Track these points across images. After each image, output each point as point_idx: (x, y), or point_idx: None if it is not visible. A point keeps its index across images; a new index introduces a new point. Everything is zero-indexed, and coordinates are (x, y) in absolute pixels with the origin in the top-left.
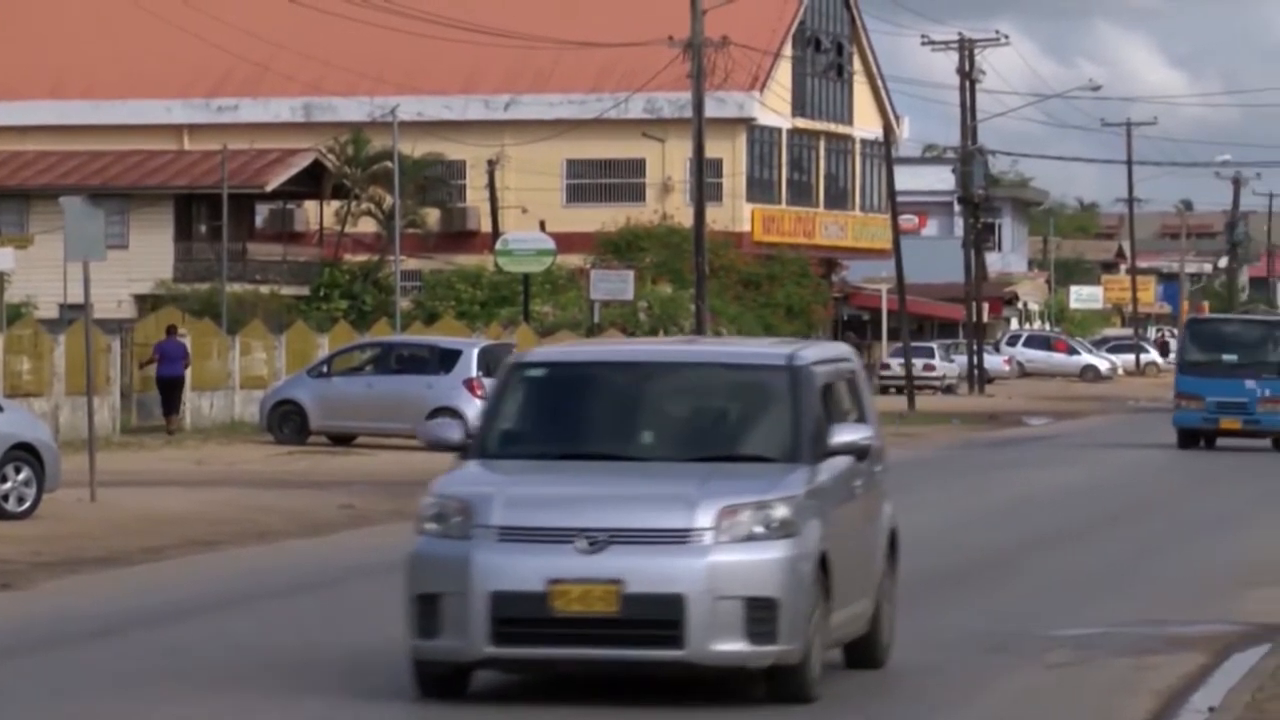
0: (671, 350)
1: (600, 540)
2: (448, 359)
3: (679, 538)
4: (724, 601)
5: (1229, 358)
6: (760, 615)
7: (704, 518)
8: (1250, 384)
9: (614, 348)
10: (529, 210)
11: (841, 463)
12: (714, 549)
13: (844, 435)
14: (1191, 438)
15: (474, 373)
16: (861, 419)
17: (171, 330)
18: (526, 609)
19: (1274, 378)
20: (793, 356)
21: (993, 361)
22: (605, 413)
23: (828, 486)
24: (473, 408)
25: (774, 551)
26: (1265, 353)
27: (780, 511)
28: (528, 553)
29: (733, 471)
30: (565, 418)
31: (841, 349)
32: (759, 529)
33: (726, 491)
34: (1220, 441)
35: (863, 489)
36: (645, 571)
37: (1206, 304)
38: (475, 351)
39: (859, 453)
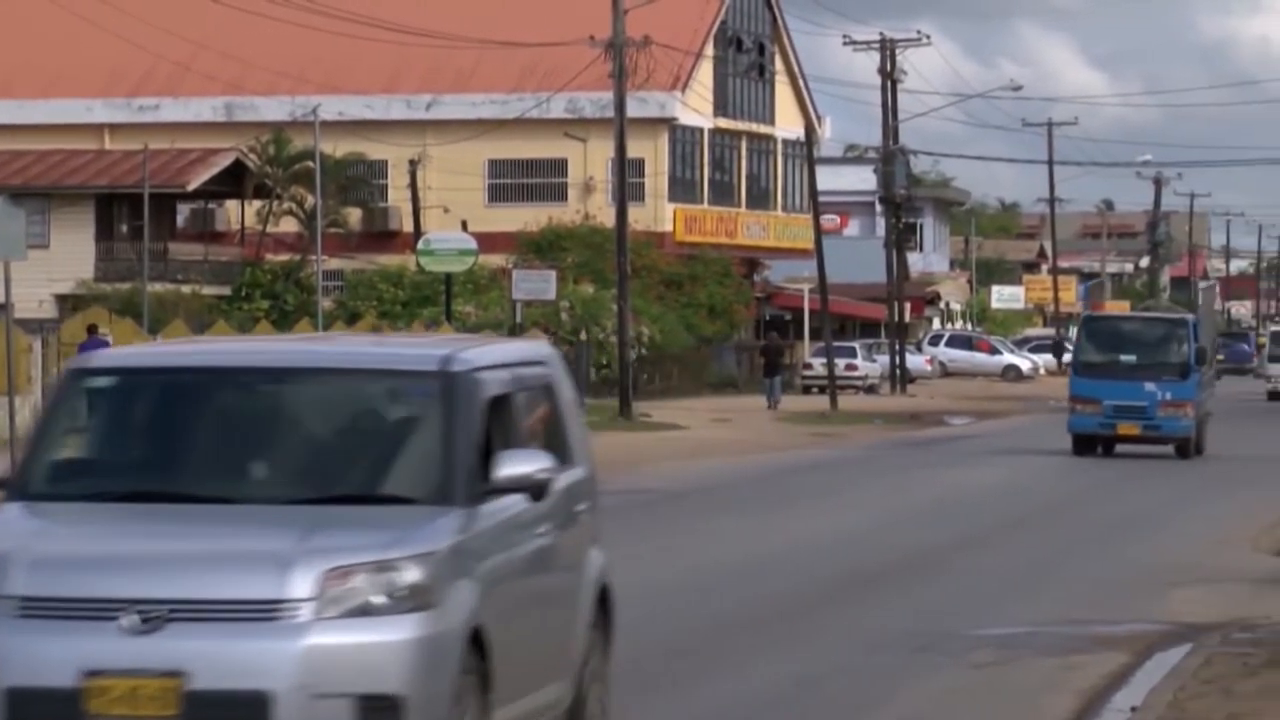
0: (286, 351)
1: (156, 616)
2: None
3: (265, 612)
4: (326, 701)
5: (1127, 358)
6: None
7: (301, 584)
8: (1150, 386)
9: (208, 348)
10: (451, 210)
11: (515, 504)
12: (314, 627)
13: (514, 467)
14: (1088, 444)
15: None
16: (557, 444)
17: (93, 330)
18: (53, 712)
19: (1176, 380)
20: (449, 359)
21: (915, 361)
22: (190, 437)
23: (490, 538)
24: None
25: (399, 630)
26: (1167, 353)
27: (410, 575)
28: (57, 633)
29: (350, 519)
30: (135, 444)
31: (533, 349)
32: (379, 599)
33: (335, 547)
34: (1119, 448)
35: (551, 538)
36: (217, 660)
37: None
38: None
39: (535, 489)
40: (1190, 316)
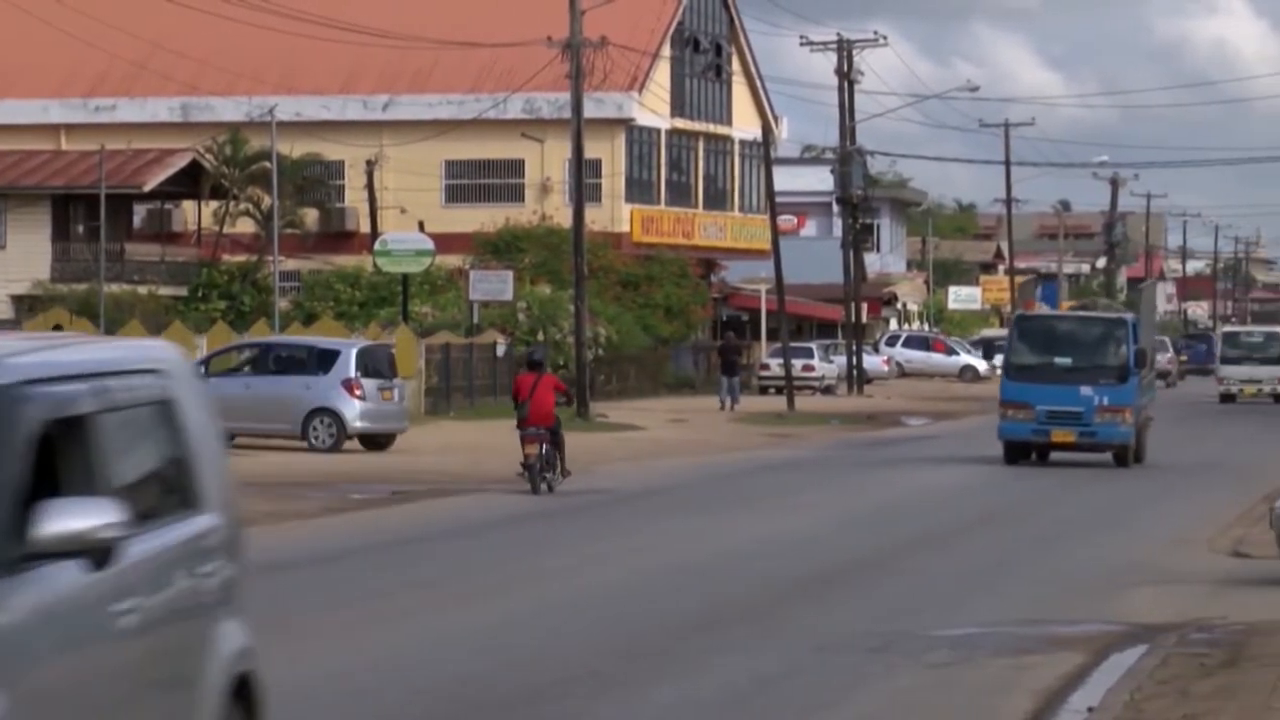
0: None
1: None
2: (326, 360)
3: None
4: None
5: (1062, 360)
6: None
7: None
8: (1086, 391)
9: None
10: (408, 211)
11: (70, 573)
12: None
13: (61, 522)
14: (1020, 451)
15: (352, 373)
16: (180, 483)
17: (57, 329)
18: None
19: (1114, 383)
20: None
21: (871, 362)
22: None
23: (28, 625)
24: (351, 409)
25: None
26: (1104, 354)
27: None
28: None
29: None
30: None
31: (140, 352)
32: None
33: None
34: (1054, 456)
35: (138, 618)
36: None
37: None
38: (353, 352)
39: (94, 552)
40: (1129, 316)
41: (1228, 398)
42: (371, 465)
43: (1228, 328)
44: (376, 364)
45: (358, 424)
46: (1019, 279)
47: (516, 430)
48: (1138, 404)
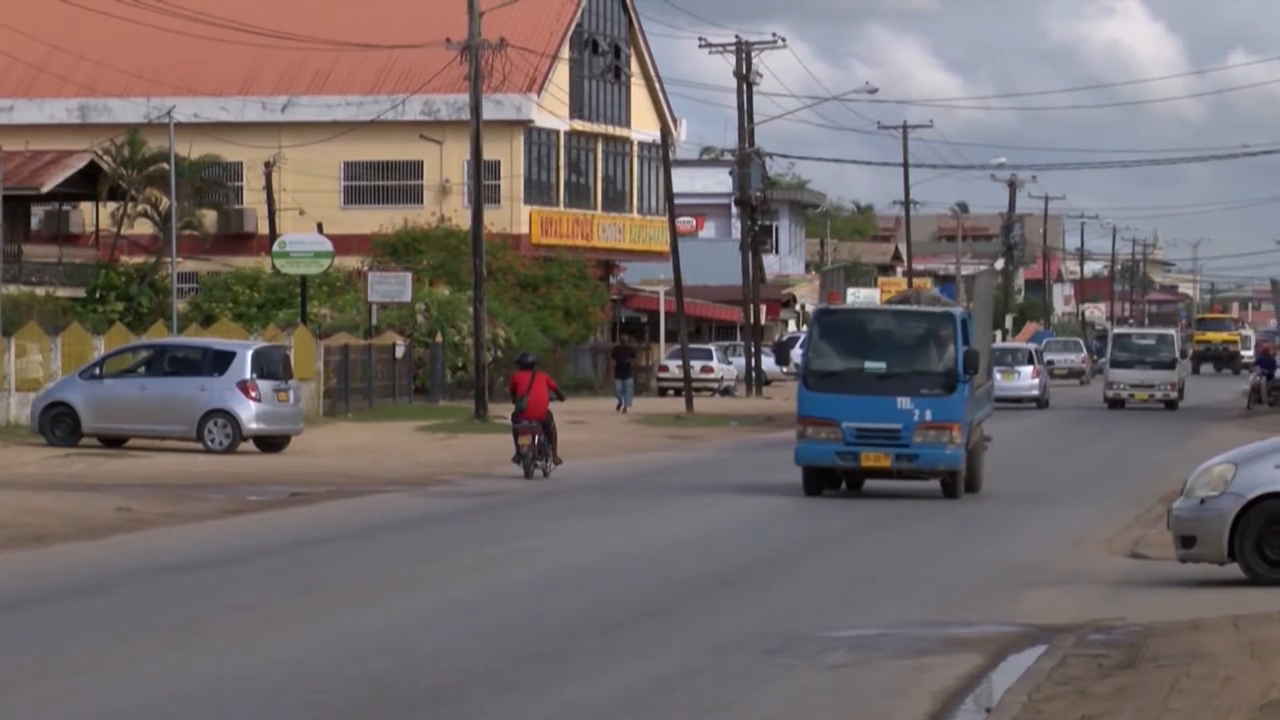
0: None
1: None
2: (221, 361)
3: None
4: None
5: (874, 366)
6: None
7: None
8: (905, 403)
9: None
10: (306, 212)
11: None
12: None
13: None
14: (823, 479)
15: (248, 375)
16: None
17: None
18: None
19: (939, 394)
20: None
21: (770, 364)
22: None
23: None
24: (246, 410)
25: None
26: (927, 358)
27: None
28: None
29: None
30: None
31: None
32: None
33: None
34: (868, 484)
35: None
36: None
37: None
38: (249, 354)
39: None
40: (958, 310)
41: (1116, 403)
42: (269, 467)
43: (1117, 329)
44: (272, 365)
45: (253, 426)
46: (917, 281)
47: (512, 423)
48: (969, 419)
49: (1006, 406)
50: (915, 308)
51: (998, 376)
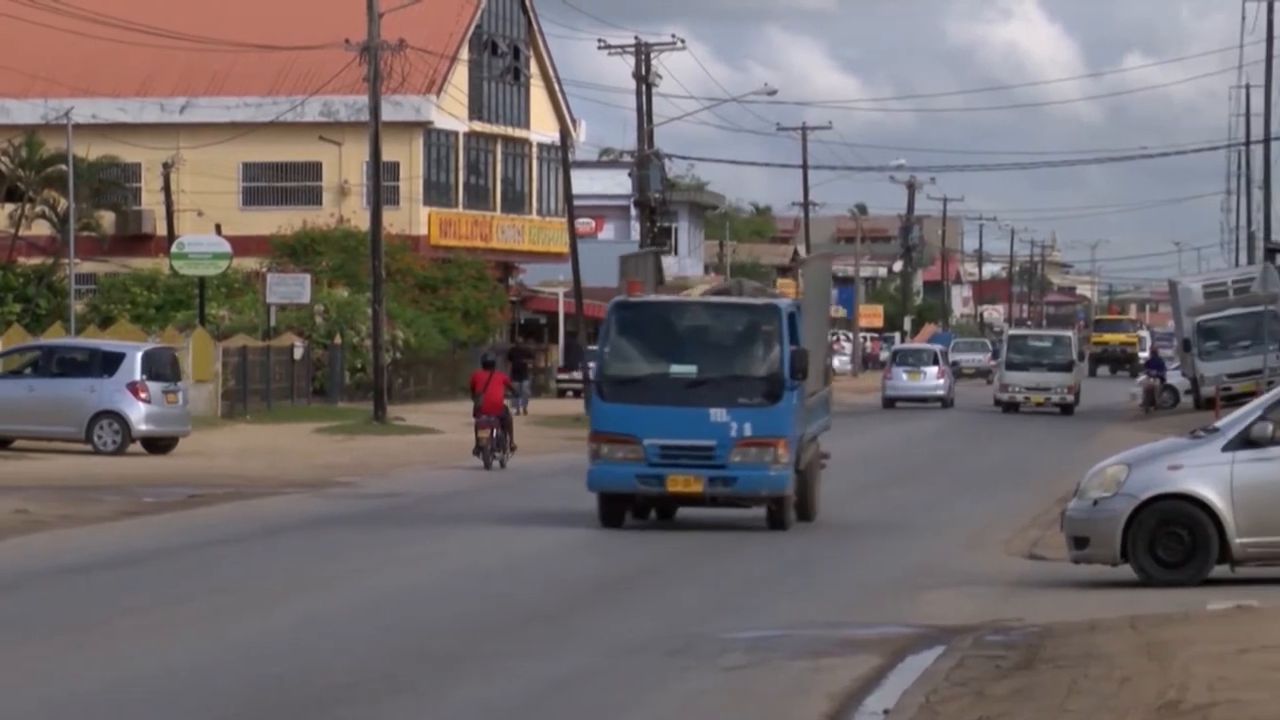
0: None
1: None
2: (110, 362)
3: None
4: None
5: (682, 370)
6: None
7: None
8: (720, 415)
9: None
10: (205, 213)
11: None
12: None
13: None
14: (623, 506)
15: (138, 376)
16: None
17: None
18: None
19: (762, 403)
20: None
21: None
22: None
23: None
24: (136, 411)
25: None
26: (746, 360)
27: None
28: None
29: None
30: None
31: None
32: None
33: None
34: (682, 513)
35: None
36: None
37: (640, 281)
38: (139, 355)
39: None
40: (784, 302)
41: (1011, 406)
42: (168, 468)
43: (1012, 330)
44: (161, 367)
45: (143, 427)
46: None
47: (472, 418)
48: (798, 433)
49: (913, 406)
50: (732, 299)
51: (903, 376)
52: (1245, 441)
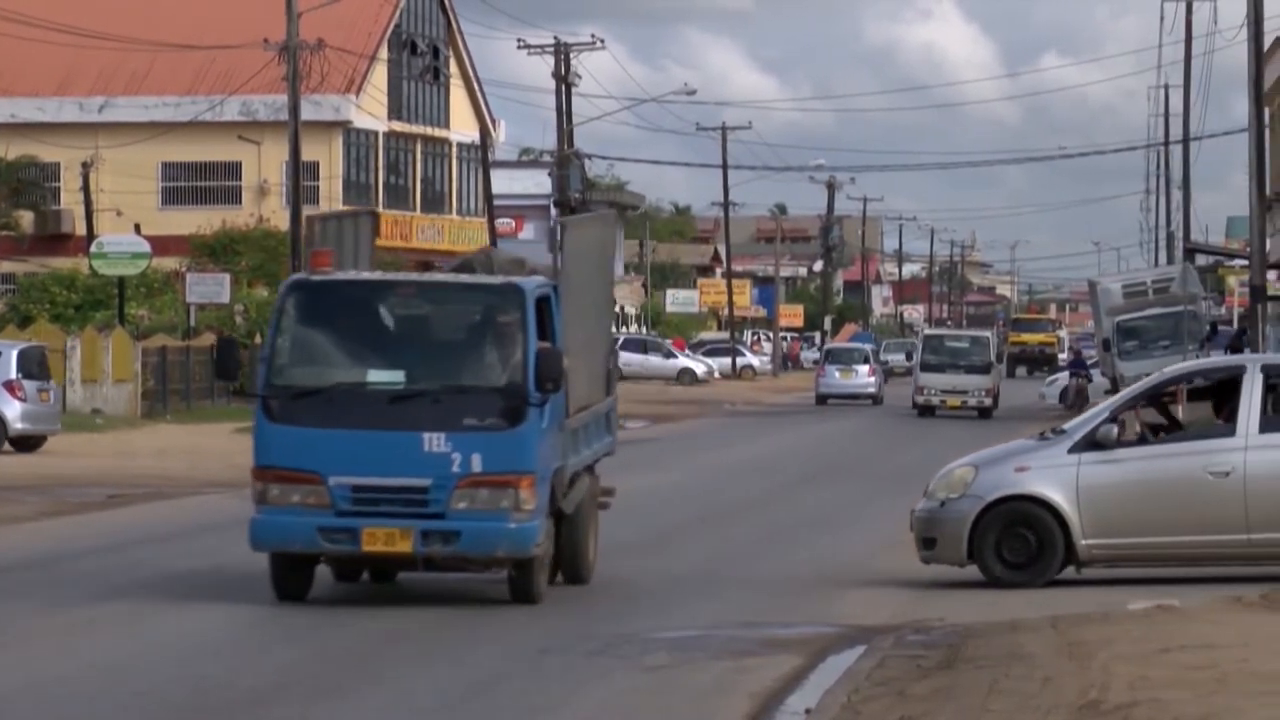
0: None
1: None
2: None
3: None
4: None
5: (385, 378)
6: None
7: None
8: (437, 442)
9: None
10: (124, 213)
11: None
12: None
13: None
14: (303, 571)
15: (14, 374)
16: None
17: None
18: None
19: (497, 424)
20: None
21: None
22: None
23: None
24: (12, 409)
25: None
26: (477, 363)
27: None
28: None
29: None
30: None
31: None
32: None
33: None
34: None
35: None
36: None
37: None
38: (14, 353)
39: None
40: (530, 282)
41: (926, 410)
42: (88, 467)
43: (927, 330)
44: (34, 365)
45: (19, 425)
46: (737, 282)
47: None
48: (550, 466)
49: (844, 404)
50: (453, 278)
51: (835, 374)
52: (1091, 444)
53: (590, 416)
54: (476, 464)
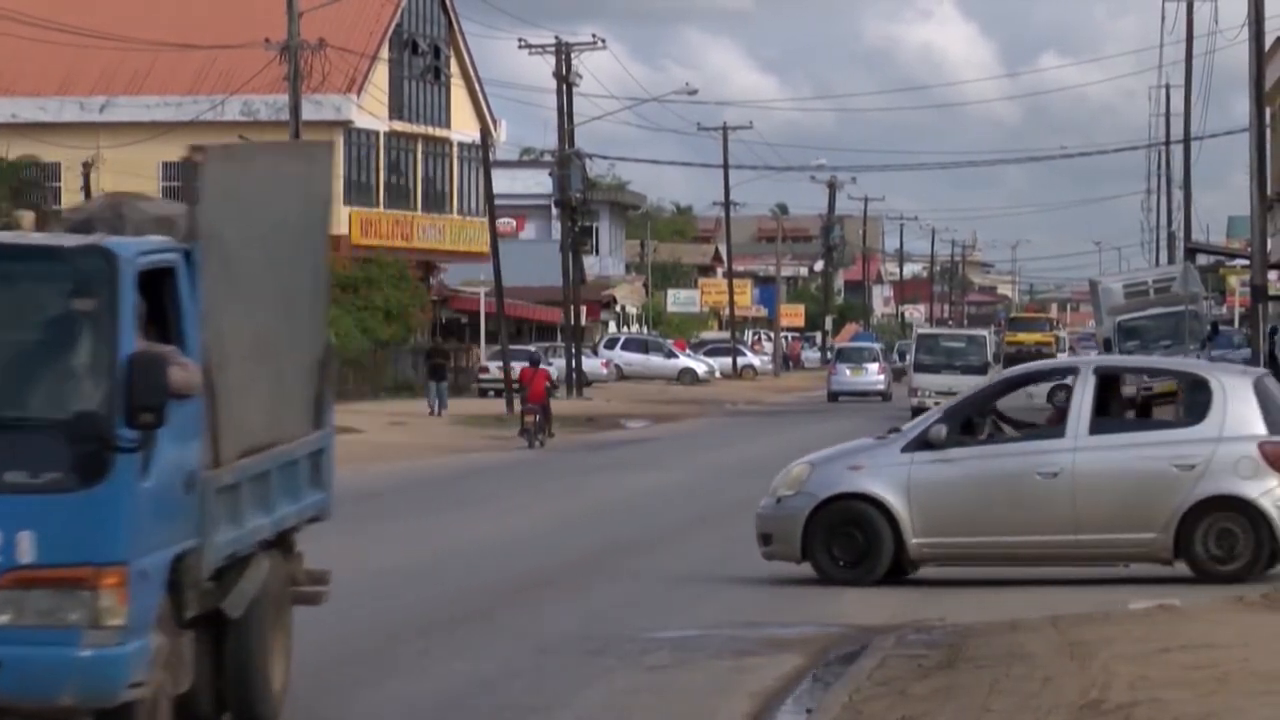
0: None
1: None
2: None
3: None
4: None
5: None
6: None
7: None
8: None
9: None
10: None
11: None
12: None
13: None
14: None
15: None
16: None
17: None
18: None
19: (57, 484)
20: None
21: (591, 364)
22: None
23: None
24: None
25: None
26: (28, 380)
27: None
28: None
29: None
30: None
31: None
32: None
33: None
34: None
35: None
36: None
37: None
38: None
39: None
40: (126, 245)
41: (920, 411)
42: None
43: (922, 329)
44: None
45: None
46: (738, 282)
47: (521, 405)
48: (156, 550)
49: (853, 401)
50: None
51: (846, 373)
52: (923, 443)
53: (274, 462)
54: (23, 549)
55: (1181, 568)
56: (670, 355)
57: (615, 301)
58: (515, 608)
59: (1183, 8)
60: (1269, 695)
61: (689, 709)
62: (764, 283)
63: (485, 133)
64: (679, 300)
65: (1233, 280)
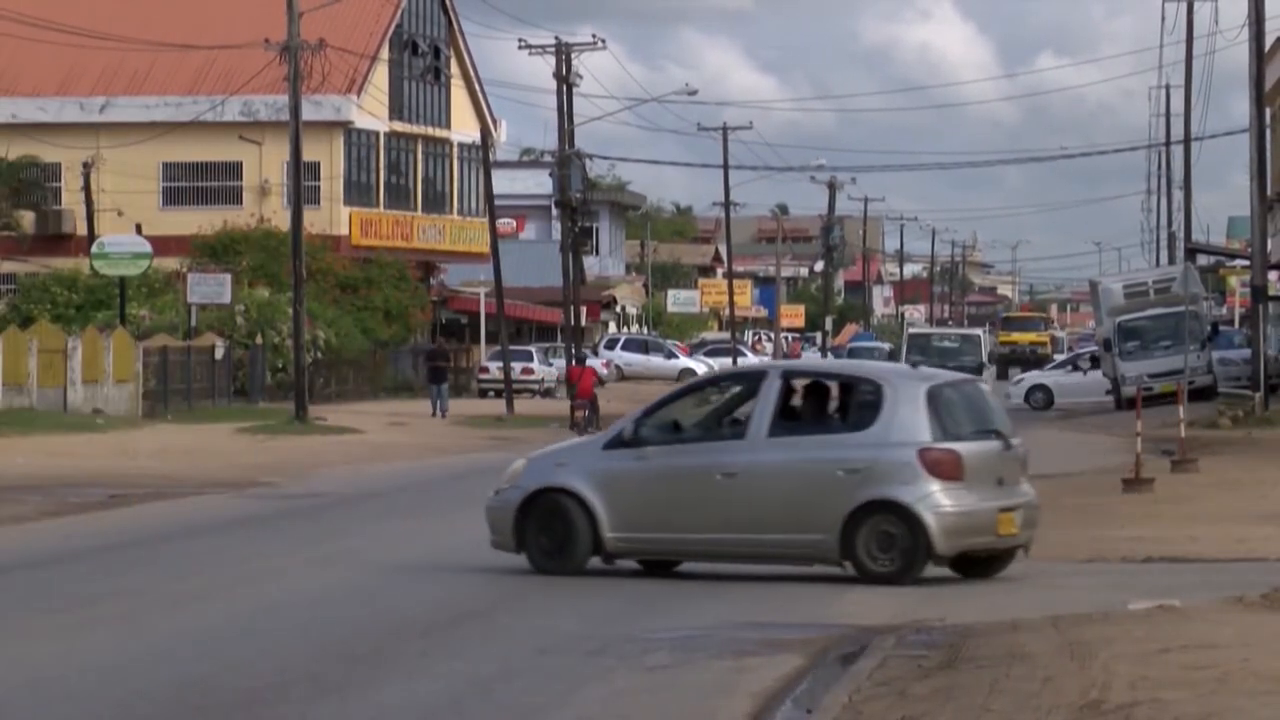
0: None
1: None
2: None
3: None
4: None
5: None
6: None
7: None
8: None
9: None
10: (125, 213)
11: None
12: None
13: None
14: None
15: None
16: None
17: None
18: None
19: None
20: None
21: (591, 364)
22: None
23: None
24: None
25: None
26: None
27: None
28: None
29: None
30: None
31: None
32: None
33: None
34: None
35: None
36: None
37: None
38: None
39: None
40: None
41: None
42: (89, 467)
43: (914, 329)
44: None
45: None
46: (738, 282)
47: (570, 401)
48: None
49: None
50: None
51: None
52: (621, 441)
53: None
54: None
55: (850, 569)
56: (670, 356)
57: (615, 302)
58: (514, 606)
59: (1182, 8)
60: (1269, 695)
61: (689, 709)
62: (764, 283)
63: (485, 133)
64: (679, 301)
65: (1233, 281)
